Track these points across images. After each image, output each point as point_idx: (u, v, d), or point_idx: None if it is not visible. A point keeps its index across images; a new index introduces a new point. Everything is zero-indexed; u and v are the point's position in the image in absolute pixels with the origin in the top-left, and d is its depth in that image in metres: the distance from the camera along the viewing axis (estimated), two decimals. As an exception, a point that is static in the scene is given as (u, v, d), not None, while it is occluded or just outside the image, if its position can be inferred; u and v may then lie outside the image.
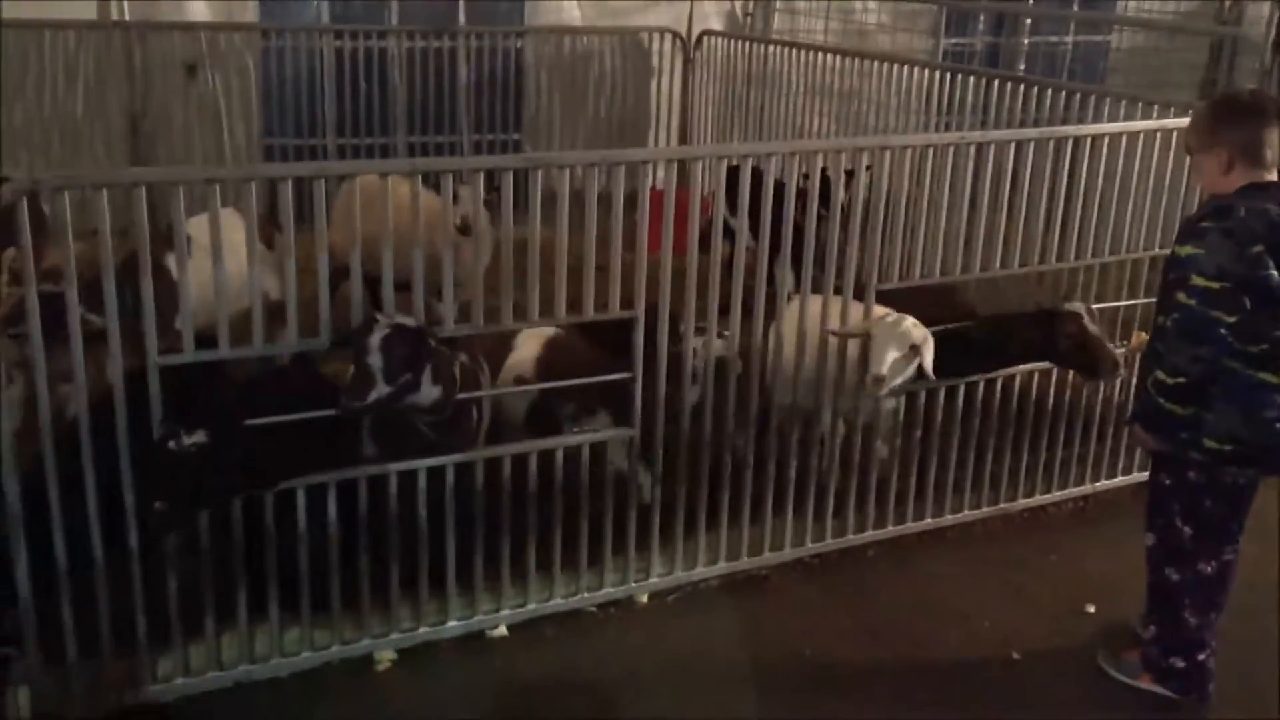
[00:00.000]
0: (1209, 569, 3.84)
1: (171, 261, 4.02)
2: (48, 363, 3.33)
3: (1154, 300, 4.00)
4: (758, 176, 4.20)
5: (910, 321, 4.34)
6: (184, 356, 3.49)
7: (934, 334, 4.40)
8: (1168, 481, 3.83)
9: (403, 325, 3.60)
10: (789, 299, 4.56)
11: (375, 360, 3.51)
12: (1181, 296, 3.48)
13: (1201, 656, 3.92)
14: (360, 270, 3.71)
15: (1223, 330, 3.43)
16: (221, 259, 3.47)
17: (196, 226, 4.19)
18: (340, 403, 3.52)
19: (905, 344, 4.30)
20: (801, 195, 4.34)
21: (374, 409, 3.59)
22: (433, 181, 3.78)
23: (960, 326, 4.65)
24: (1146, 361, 3.85)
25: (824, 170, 4.85)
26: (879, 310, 4.43)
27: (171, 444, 3.37)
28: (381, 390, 3.52)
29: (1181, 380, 3.52)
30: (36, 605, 3.49)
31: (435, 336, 3.67)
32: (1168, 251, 3.76)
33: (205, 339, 3.56)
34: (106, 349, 3.43)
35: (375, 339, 3.52)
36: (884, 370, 4.27)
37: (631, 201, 4.01)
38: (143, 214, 3.32)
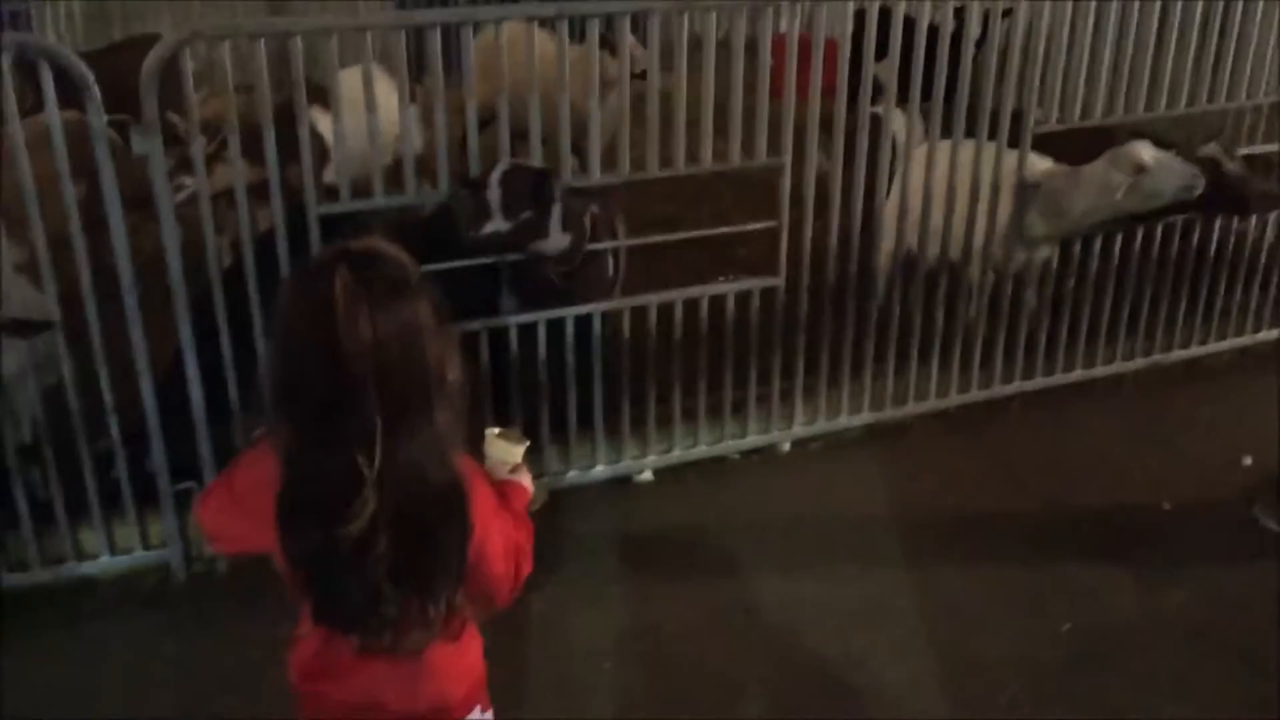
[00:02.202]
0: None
1: (317, 115, 4.07)
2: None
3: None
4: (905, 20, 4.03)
5: None
6: (342, 205, 3.57)
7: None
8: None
9: (522, 164, 3.60)
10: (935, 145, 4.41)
11: (494, 195, 3.52)
12: None
13: (1366, 510, 3.82)
14: (507, 118, 3.70)
15: None
16: (375, 109, 3.51)
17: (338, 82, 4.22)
18: (457, 233, 3.56)
19: None
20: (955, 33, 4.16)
21: (494, 244, 3.61)
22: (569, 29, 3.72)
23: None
24: None
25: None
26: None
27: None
28: (500, 224, 3.54)
29: None
30: (213, 437, 3.67)
31: (561, 181, 3.66)
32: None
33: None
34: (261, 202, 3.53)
35: (495, 175, 3.55)
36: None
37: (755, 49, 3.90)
38: (298, 63, 3.36)
